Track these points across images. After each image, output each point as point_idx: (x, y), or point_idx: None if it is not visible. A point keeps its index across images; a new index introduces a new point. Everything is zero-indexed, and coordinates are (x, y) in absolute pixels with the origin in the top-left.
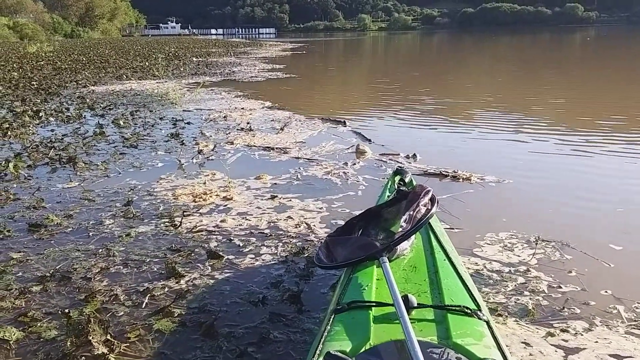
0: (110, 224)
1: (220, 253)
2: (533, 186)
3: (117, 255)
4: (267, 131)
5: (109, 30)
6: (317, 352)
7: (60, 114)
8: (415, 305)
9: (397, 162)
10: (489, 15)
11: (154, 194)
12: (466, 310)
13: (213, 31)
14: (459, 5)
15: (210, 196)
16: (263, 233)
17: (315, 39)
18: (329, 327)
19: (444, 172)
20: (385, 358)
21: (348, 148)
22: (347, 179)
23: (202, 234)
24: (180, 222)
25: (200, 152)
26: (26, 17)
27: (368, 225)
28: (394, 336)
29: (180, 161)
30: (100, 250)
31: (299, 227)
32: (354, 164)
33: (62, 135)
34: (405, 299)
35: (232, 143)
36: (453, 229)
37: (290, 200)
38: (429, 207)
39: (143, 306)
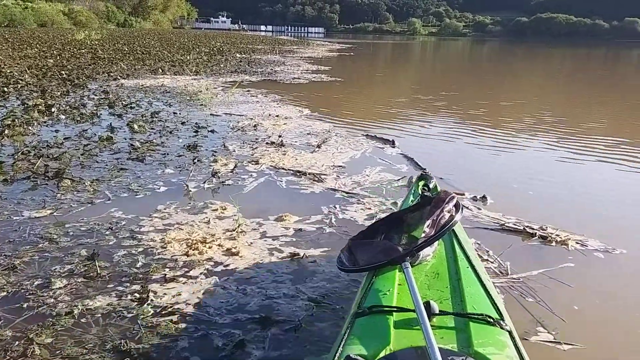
0: (59, 288)
1: None
2: None
3: (36, 354)
4: (300, 148)
5: (160, 22)
6: (337, 355)
7: (74, 111)
8: (437, 312)
9: (464, 206)
10: (543, 26)
11: (138, 237)
12: (488, 319)
13: (262, 28)
14: (512, 13)
15: (211, 246)
16: (267, 327)
17: (363, 41)
18: (349, 331)
19: (528, 229)
20: None
21: (398, 179)
22: None
23: (171, 322)
24: (147, 296)
25: (215, 174)
26: (82, 4)
27: (391, 230)
28: (414, 342)
29: (187, 186)
30: (17, 344)
31: (325, 314)
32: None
33: (64, 139)
34: (427, 305)
35: (257, 162)
36: (560, 343)
37: (315, 263)
38: (453, 214)
39: None
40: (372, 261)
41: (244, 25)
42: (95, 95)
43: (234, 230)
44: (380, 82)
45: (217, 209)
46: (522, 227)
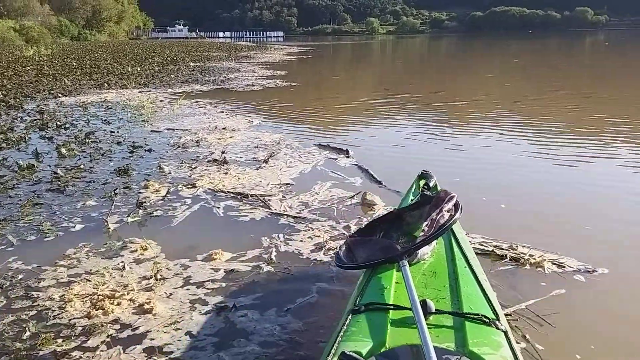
0: None
1: None
2: None
3: None
4: (245, 164)
5: (116, 33)
6: (332, 351)
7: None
8: (433, 310)
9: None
10: (498, 20)
11: (34, 295)
12: (484, 319)
13: (221, 34)
14: (467, 9)
15: (120, 302)
16: None
17: (322, 43)
18: (345, 327)
19: (497, 249)
20: None
21: (352, 196)
22: None
23: None
24: None
25: (140, 205)
26: (33, 19)
27: (390, 228)
28: (410, 340)
29: (107, 222)
30: None
31: None
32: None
33: None
34: (424, 303)
35: (193, 186)
36: None
37: (247, 318)
38: (453, 213)
39: None
40: (370, 259)
41: (201, 33)
42: (29, 116)
43: (151, 278)
44: (336, 86)
45: (136, 250)
46: (490, 248)
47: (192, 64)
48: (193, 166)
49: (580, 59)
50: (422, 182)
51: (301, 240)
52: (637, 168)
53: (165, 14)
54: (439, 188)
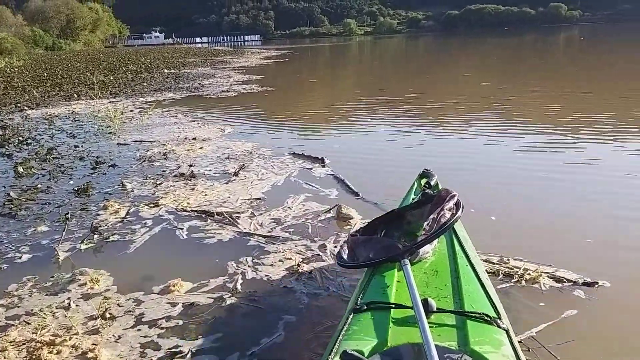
0: None
1: None
2: None
3: None
4: (214, 178)
5: (91, 42)
6: (334, 350)
7: None
8: (435, 309)
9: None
10: (473, 17)
11: None
12: (486, 318)
13: (198, 40)
14: (443, 7)
15: (60, 350)
16: None
17: (300, 45)
18: (346, 326)
19: (487, 264)
20: None
21: (327, 210)
22: (327, 289)
23: None
24: None
25: (95, 230)
26: (7, 30)
27: (391, 227)
28: (411, 339)
29: (57, 251)
30: None
31: None
32: (336, 245)
33: None
34: (425, 302)
35: (156, 204)
36: None
37: None
38: (454, 212)
39: None
40: (371, 257)
41: (178, 39)
42: None
43: (98, 318)
44: (312, 89)
45: (85, 283)
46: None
47: (166, 71)
48: (158, 182)
49: (557, 55)
50: (423, 181)
51: (271, 264)
52: (619, 171)
53: (141, 21)
54: (440, 187)
